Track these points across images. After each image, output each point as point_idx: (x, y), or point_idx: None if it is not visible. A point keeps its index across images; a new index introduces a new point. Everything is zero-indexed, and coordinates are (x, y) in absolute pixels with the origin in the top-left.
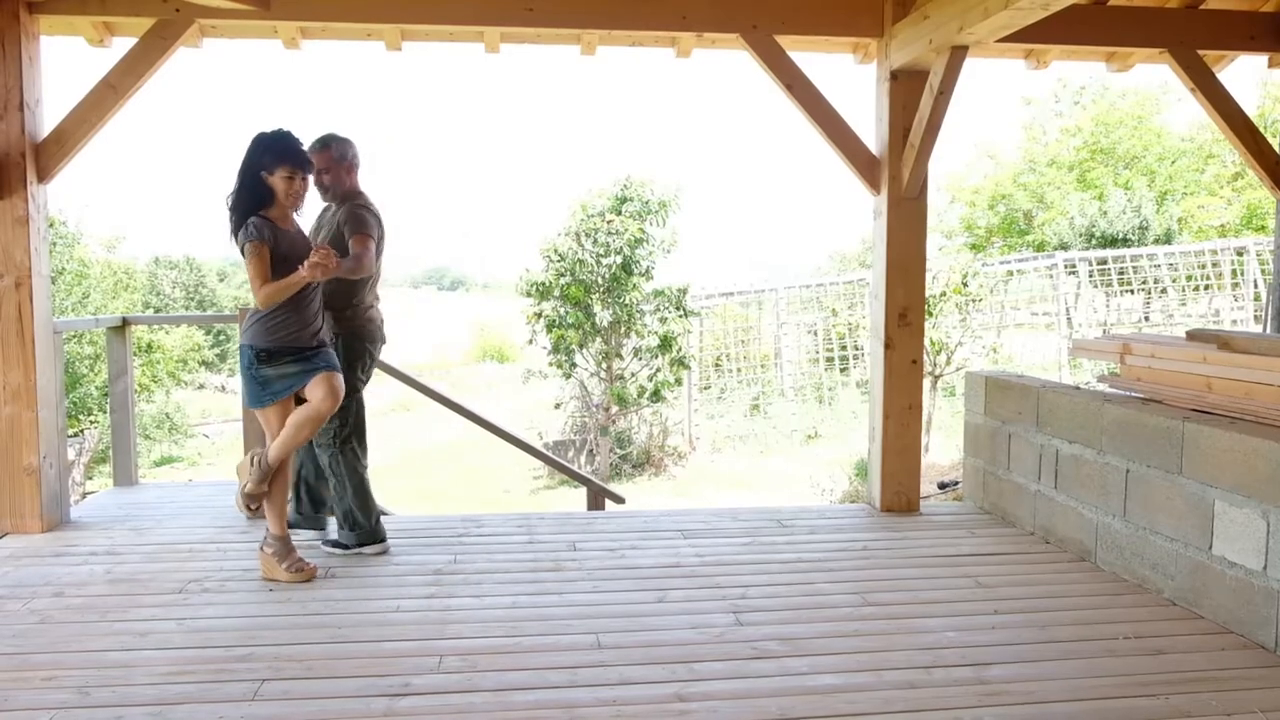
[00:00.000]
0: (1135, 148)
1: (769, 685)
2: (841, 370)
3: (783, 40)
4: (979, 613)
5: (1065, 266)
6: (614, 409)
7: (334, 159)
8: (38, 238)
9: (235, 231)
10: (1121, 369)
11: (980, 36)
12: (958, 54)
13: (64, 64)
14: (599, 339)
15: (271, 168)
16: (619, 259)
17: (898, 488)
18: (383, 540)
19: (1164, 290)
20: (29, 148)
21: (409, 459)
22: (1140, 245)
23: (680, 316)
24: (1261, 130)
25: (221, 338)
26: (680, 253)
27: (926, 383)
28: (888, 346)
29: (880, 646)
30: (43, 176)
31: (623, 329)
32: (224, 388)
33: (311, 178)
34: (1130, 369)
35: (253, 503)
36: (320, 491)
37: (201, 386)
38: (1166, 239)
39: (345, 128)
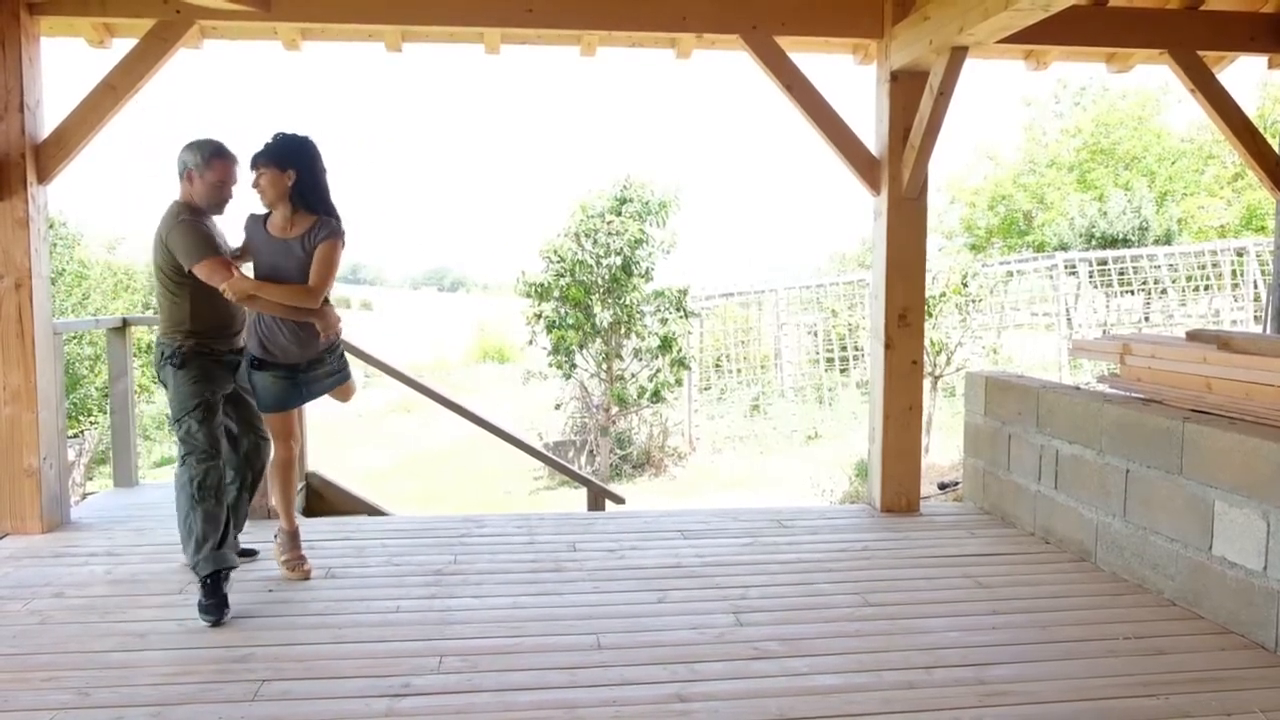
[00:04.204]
0: (1135, 148)
1: (769, 685)
2: (841, 371)
3: (782, 41)
4: (979, 613)
5: (1065, 267)
6: (614, 410)
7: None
8: (38, 239)
9: (335, 229)
10: (1121, 369)
11: (980, 37)
12: (958, 55)
13: (64, 65)
14: (599, 340)
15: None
16: (619, 260)
17: (898, 488)
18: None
19: (1164, 291)
20: (29, 149)
21: (409, 460)
22: (1140, 246)
23: (680, 317)
24: (1261, 131)
25: None
26: (680, 253)
27: (926, 383)
28: (888, 347)
29: (881, 647)
30: (43, 177)
31: (623, 330)
32: None
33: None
34: (1130, 369)
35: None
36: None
37: None
38: (1166, 240)
39: (345, 129)
